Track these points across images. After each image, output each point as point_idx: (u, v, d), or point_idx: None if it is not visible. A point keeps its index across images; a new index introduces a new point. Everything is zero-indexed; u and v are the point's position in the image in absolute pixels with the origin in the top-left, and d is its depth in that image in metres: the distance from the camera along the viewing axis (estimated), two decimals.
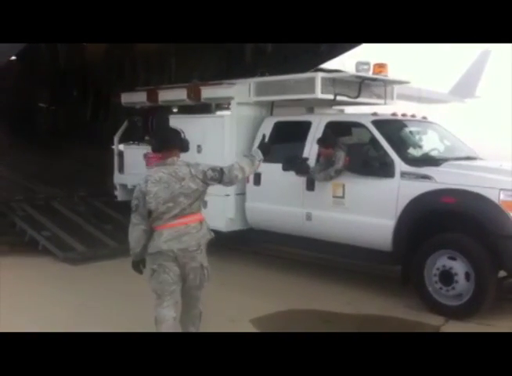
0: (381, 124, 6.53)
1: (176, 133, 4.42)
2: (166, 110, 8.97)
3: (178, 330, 4.28)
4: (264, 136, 5.49)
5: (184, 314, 4.33)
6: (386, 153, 6.14)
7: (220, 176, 4.26)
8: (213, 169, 4.26)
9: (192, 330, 4.37)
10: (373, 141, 6.35)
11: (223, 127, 7.55)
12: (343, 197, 6.36)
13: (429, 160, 6.20)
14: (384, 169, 6.05)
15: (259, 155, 4.49)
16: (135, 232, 4.20)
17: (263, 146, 4.65)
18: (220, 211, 7.41)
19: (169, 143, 4.26)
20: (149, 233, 4.20)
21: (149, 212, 4.13)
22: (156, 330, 4.16)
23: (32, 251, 7.95)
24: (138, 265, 4.32)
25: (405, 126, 7.01)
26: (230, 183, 4.47)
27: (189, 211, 4.17)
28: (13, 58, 11.80)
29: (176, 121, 8.14)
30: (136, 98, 9.13)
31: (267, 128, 7.43)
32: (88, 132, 12.54)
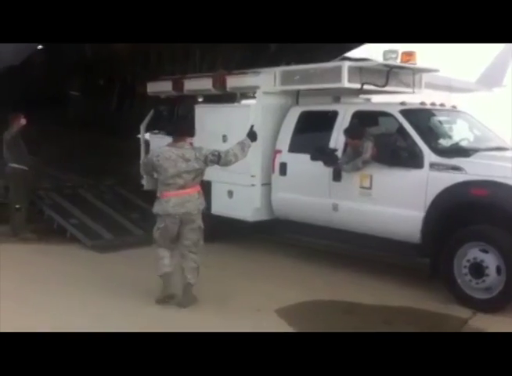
0: (410, 113, 6.43)
1: (189, 123, 5.84)
2: (191, 99, 8.96)
3: (173, 268, 5.49)
4: (252, 126, 5.87)
5: (184, 265, 5.43)
6: (414, 144, 6.05)
7: (218, 160, 5.43)
8: (213, 154, 5.43)
9: (190, 278, 5.40)
10: (401, 131, 6.27)
11: (248, 116, 7.49)
12: (370, 187, 6.30)
13: (459, 151, 6.08)
14: (412, 160, 5.97)
15: (248, 142, 5.61)
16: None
17: (251, 134, 5.70)
18: (246, 201, 7.43)
19: (181, 131, 5.55)
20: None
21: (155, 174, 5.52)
22: (156, 265, 5.49)
23: (60, 238, 8.06)
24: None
25: (434, 116, 6.90)
26: (225, 165, 5.60)
27: (191, 184, 5.37)
28: (40, 47, 11.91)
29: (202, 111, 8.19)
30: (162, 87, 9.13)
31: (293, 118, 7.40)
32: (115, 121, 12.62)
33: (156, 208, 5.47)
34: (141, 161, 5.69)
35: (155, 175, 5.69)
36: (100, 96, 14.12)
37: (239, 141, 5.69)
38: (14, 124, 8.30)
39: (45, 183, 9.13)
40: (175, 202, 5.34)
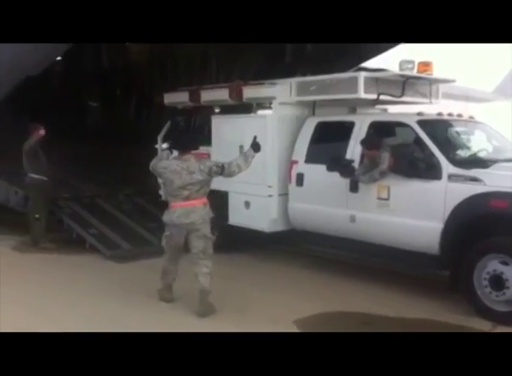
0: (427, 124, 6.42)
1: (192, 138, 6.30)
2: (208, 109, 9.02)
3: (175, 277, 5.87)
4: (255, 137, 5.95)
5: (196, 272, 5.58)
6: (432, 155, 6.03)
7: (221, 171, 5.62)
8: (216, 165, 5.63)
9: (204, 283, 5.54)
10: (419, 142, 6.25)
11: (265, 127, 7.54)
12: (388, 198, 6.28)
13: (477, 162, 6.04)
14: (430, 171, 5.94)
15: (252, 153, 5.81)
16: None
17: (254, 145, 5.86)
18: (263, 211, 7.45)
19: (185, 145, 5.80)
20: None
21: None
22: (161, 276, 5.89)
23: (79, 248, 8.15)
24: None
25: (452, 126, 6.88)
26: (229, 176, 5.79)
27: (196, 196, 5.58)
28: (59, 57, 12.09)
29: (218, 121, 8.25)
30: (179, 98, 9.18)
31: (309, 129, 7.42)
32: (132, 131, 12.74)
33: (165, 217, 5.79)
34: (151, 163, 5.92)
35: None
36: (118, 106, 14.28)
37: (242, 152, 5.94)
38: (33, 134, 8.40)
39: (64, 193, 9.20)
40: (180, 213, 5.58)
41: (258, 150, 5.90)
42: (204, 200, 5.70)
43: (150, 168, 5.95)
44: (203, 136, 8.62)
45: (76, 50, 10.41)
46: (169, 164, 5.69)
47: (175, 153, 6.10)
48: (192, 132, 8.82)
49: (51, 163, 8.55)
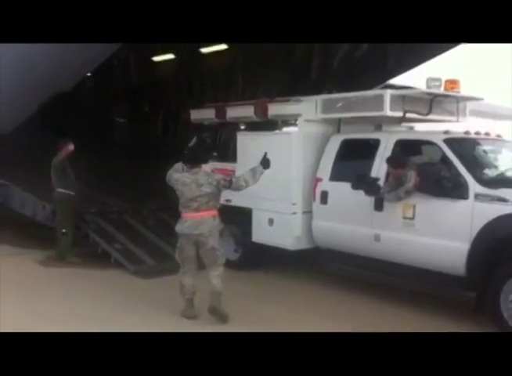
0: (454, 142, 6.34)
1: (202, 151, 6.55)
2: (233, 126, 9.07)
3: (195, 291, 5.96)
4: (265, 153, 6.10)
5: (209, 277, 5.83)
6: (459, 174, 5.96)
7: (229, 184, 5.85)
8: (224, 180, 5.88)
9: (216, 285, 5.78)
10: (445, 160, 6.18)
11: (290, 144, 7.55)
12: (413, 218, 6.21)
13: (505, 182, 5.96)
14: (456, 190, 5.87)
15: (260, 169, 6.00)
16: (186, 278, 5.99)
17: (264, 161, 6.05)
18: (286, 229, 7.42)
19: (196, 158, 6.02)
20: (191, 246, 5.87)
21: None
22: (180, 291, 5.96)
23: (104, 263, 8.20)
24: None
25: (479, 145, 6.78)
26: (237, 190, 6.01)
27: (206, 207, 5.79)
28: (88, 74, 12.34)
29: (243, 138, 8.28)
30: (205, 114, 9.24)
31: (334, 146, 7.39)
32: (158, 147, 12.88)
33: (177, 227, 6.01)
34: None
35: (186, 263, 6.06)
36: (145, 122, 14.47)
37: (251, 167, 6.05)
38: (62, 150, 8.54)
39: (90, 208, 9.28)
40: (190, 223, 5.81)
41: (267, 166, 6.06)
42: (214, 212, 5.90)
43: (166, 179, 6.13)
44: (212, 151, 8.74)
45: (105, 67, 10.61)
46: (181, 177, 5.92)
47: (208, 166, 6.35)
48: (203, 147, 8.89)
49: (78, 178, 8.66)
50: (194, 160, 5.99)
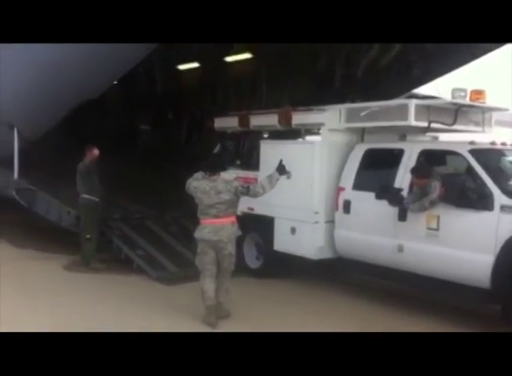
0: (479, 153, 6.28)
1: (221, 160, 6.77)
2: (257, 134, 9.10)
3: (216, 301, 6.02)
4: (281, 160, 6.27)
5: (218, 289, 6.04)
6: (484, 185, 5.89)
7: (247, 192, 6.04)
8: (242, 186, 6.08)
9: (220, 297, 6.06)
10: (471, 171, 6.11)
11: (313, 153, 7.55)
12: (437, 229, 6.15)
13: None
14: (482, 201, 5.80)
15: (277, 175, 6.19)
16: (206, 283, 6.03)
17: (280, 168, 6.23)
18: (309, 238, 7.41)
19: (215, 166, 6.17)
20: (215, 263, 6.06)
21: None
22: (202, 297, 6.01)
23: (127, 268, 8.28)
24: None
25: (505, 156, 6.69)
26: (254, 196, 6.22)
27: (225, 214, 5.96)
28: (115, 82, 12.50)
29: (267, 146, 8.30)
30: (228, 123, 9.28)
31: (357, 155, 7.37)
32: (182, 155, 12.97)
33: (196, 234, 6.16)
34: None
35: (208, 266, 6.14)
36: (169, 130, 14.58)
37: (268, 174, 6.28)
38: (88, 155, 8.65)
39: (114, 214, 9.39)
40: (210, 229, 5.97)
41: (284, 172, 6.27)
42: (233, 219, 6.09)
43: (185, 188, 6.23)
44: (235, 159, 8.81)
45: (131, 74, 10.74)
46: (200, 184, 6.07)
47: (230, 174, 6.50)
48: (223, 155, 8.96)
49: (103, 184, 8.76)
50: (213, 167, 6.15)
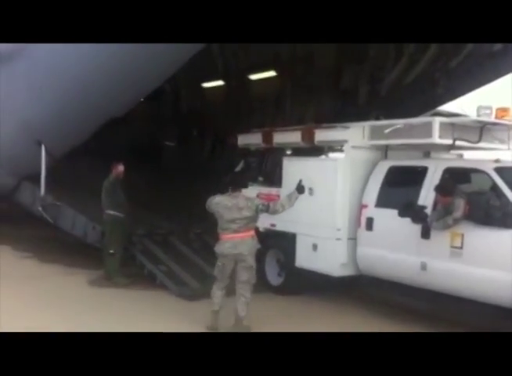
0: (504, 171, 6.22)
1: (243, 177, 7.18)
2: (280, 151, 9.13)
3: (223, 302, 6.30)
4: (300, 180, 6.55)
5: (237, 302, 6.18)
6: (509, 203, 5.82)
7: (266, 209, 6.29)
8: (263, 205, 6.31)
9: (240, 311, 6.15)
10: (496, 189, 6.05)
11: (336, 170, 7.53)
12: (461, 247, 6.08)
13: None
14: (507, 220, 5.73)
15: (296, 194, 6.47)
16: (216, 294, 6.33)
17: (299, 187, 6.51)
18: (330, 255, 7.37)
19: (237, 183, 6.46)
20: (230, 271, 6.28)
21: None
22: (211, 301, 6.32)
23: (150, 284, 8.33)
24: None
25: None
26: (274, 214, 6.49)
27: (244, 229, 6.19)
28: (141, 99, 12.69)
29: (290, 163, 8.32)
30: (252, 139, 9.31)
31: (381, 172, 7.34)
32: (206, 171, 13.06)
33: (216, 249, 6.39)
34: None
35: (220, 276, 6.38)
36: (193, 146, 14.73)
37: (288, 193, 6.60)
38: (113, 171, 8.76)
39: (138, 229, 9.45)
40: (230, 244, 6.19)
41: (302, 192, 6.56)
42: (252, 233, 6.32)
43: (206, 206, 6.43)
44: (258, 175, 8.92)
45: (156, 92, 10.91)
46: (222, 200, 6.30)
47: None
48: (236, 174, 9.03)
49: (128, 200, 8.85)
50: (235, 184, 6.42)
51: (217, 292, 6.35)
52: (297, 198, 6.47)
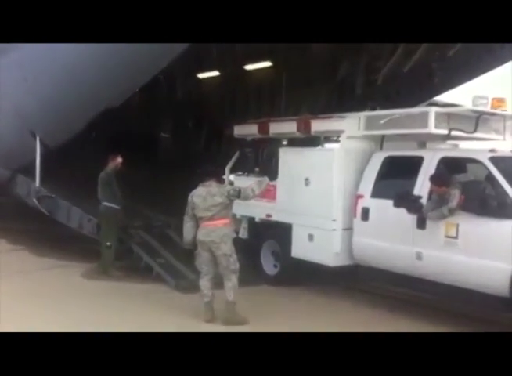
0: (500, 161, 6.21)
1: (214, 167, 7.31)
2: (276, 142, 9.11)
3: (212, 294, 6.38)
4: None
5: (225, 288, 6.33)
6: (505, 193, 5.82)
7: (238, 194, 6.44)
8: (234, 189, 6.52)
9: (228, 297, 6.28)
10: (491, 179, 6.05)
11: (332, 160, 7.53)
12: (456, 237, 6.09)
13: None
14: (502, 210, 5.74)
15: (267, 180, 6.74)
16: (186, 227, 6.55)
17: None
18: (326, 245, 7.38)
19: (208, 173, 6.64)
20: (196, 228, 6.44)
21: (194, 215, 6.43)
22: (201, 293, 6.44)
23: (146, 277, 8.30)
24: (192, 250, 6.56)
25: None
26: (245, 199, 6.63)
27: (218, 216, 6.35)
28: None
29: (286, 154, 8.32)
30: (248, 130, 9.30)
31: (376, 163, 7.33)
32: (201, 162, 13.02)
33: (197, 236, 6.48)
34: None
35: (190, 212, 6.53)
36: (188, 138, 14.68)
37: (259, 179, 6.86)
38: (110, 163, 8.72)
39: (134, 222, 9.42)
40: (204, 232, 6.38)
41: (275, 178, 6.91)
42: (226, 221, 6.46)
43: (188, 200, 6.53)
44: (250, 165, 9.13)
45: (151, 82, 10.85)
46: (197, 191, 6.52)
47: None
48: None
49: (124, 192, 8.81)
50: (207, 174, 6.63)
51: (204, 283, 6.45)
52: (267, 184, 6.77)
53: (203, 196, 6.40)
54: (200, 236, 6.39)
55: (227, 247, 6.36)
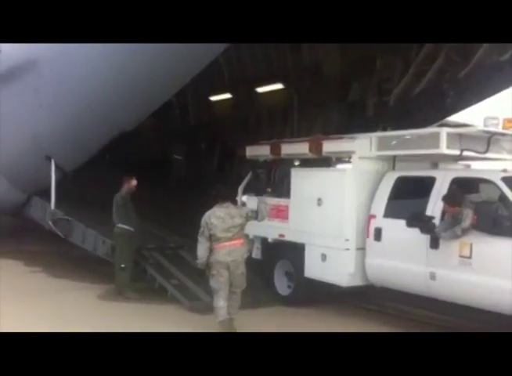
0: None
1: (228, 189, 7.43)
2: (288, 162, 9.16)
3: (228, 312, 6.53)
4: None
5: (230, 306, 6.56)
6: None
7: (255, 216, 6.75)
8: (252, 211, 6.79)
9: (232, 314, 6.56)
10: (503, 199, 6.07)
11: (344, 181, 7.56)
12: (470, 257, 6.08)
13: None
14: None
15: (264, 204, 7.16)
16: (202, 248, 6.56)
17: None
18: (339, 265, 7.38)
19: (225, 195, 6.84)
20: (209, 250, 6.50)
21: (210, 236, 6.50)
22: (214, 313, 6.57)
23: (161, 298, 8.30)
24: (204, 271, 6.64)
25: None
26: (261, 220, 6.89)
27: (237, 236, 6.57)
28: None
29: (298, 174, 8.36)
30: (260, 151, 9.35)
31: (388, 183, 7.36)
32: (214, 183, 13.10)
33: (211, 258, 6.57)
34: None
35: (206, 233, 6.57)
36: (201, 159, 14.80)
37: (262, 201, 7.27)
38: (125, 185, 8.78)
39: (148, 243, 9.46)
40: (225, 252, 6.50)
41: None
42: (242, 240, 6.73)
43: (202, 221, 6.60)
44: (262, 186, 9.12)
45: (165, 106, 11.01)
46: (214, 211, 6.61)
47: None
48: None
49: (138, 213, 8.86)
50: (223, 196, 6.81)
51: (220, 303, 6.55)
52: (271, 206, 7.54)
53: (222, 217, 6.52)
54: (220, 256, 6.50)
55: (243, 266, 6.61)
